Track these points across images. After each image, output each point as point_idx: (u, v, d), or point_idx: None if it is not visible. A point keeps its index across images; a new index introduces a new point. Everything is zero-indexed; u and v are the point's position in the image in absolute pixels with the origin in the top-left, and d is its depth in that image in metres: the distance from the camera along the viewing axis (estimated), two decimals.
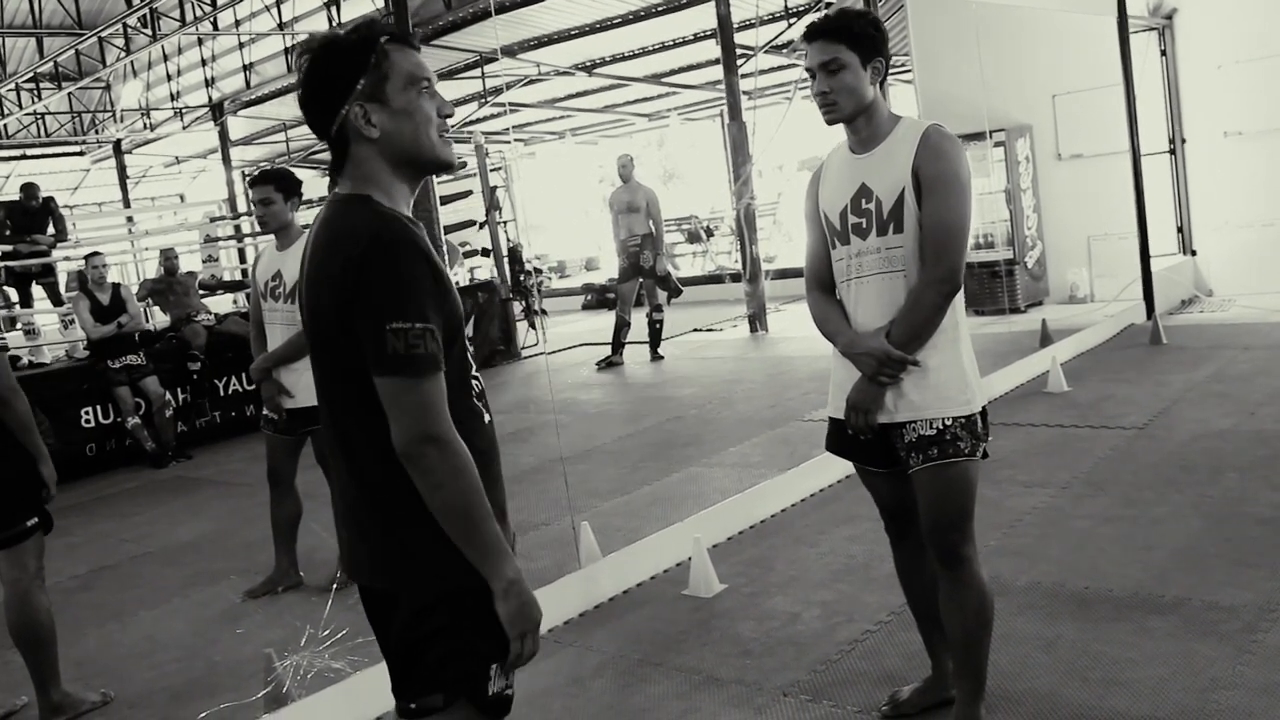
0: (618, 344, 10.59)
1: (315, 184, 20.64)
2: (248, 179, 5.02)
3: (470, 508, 1.73)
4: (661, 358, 10.63)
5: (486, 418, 1.91)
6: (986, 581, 2.85)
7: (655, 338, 10.69)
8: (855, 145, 2.84)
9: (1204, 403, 6.32)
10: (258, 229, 5.65)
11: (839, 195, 2.85)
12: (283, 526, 5.11)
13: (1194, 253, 10.65)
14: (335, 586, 4.62)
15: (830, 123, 2.83)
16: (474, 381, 1.89)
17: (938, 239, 2.69)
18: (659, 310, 10.63)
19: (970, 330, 2.88)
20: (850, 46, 2.72)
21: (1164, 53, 10.49)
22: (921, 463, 2.76)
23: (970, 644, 2.85)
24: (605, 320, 10.32)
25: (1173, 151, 10.63)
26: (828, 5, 13.20)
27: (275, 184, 4.86)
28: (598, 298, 16.69)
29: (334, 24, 14.79)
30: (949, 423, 2.73)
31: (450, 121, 1.89)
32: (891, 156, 2.76)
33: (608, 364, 10.51)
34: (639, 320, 10.70)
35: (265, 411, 5.00)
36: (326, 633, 4.15)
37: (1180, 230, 10.76)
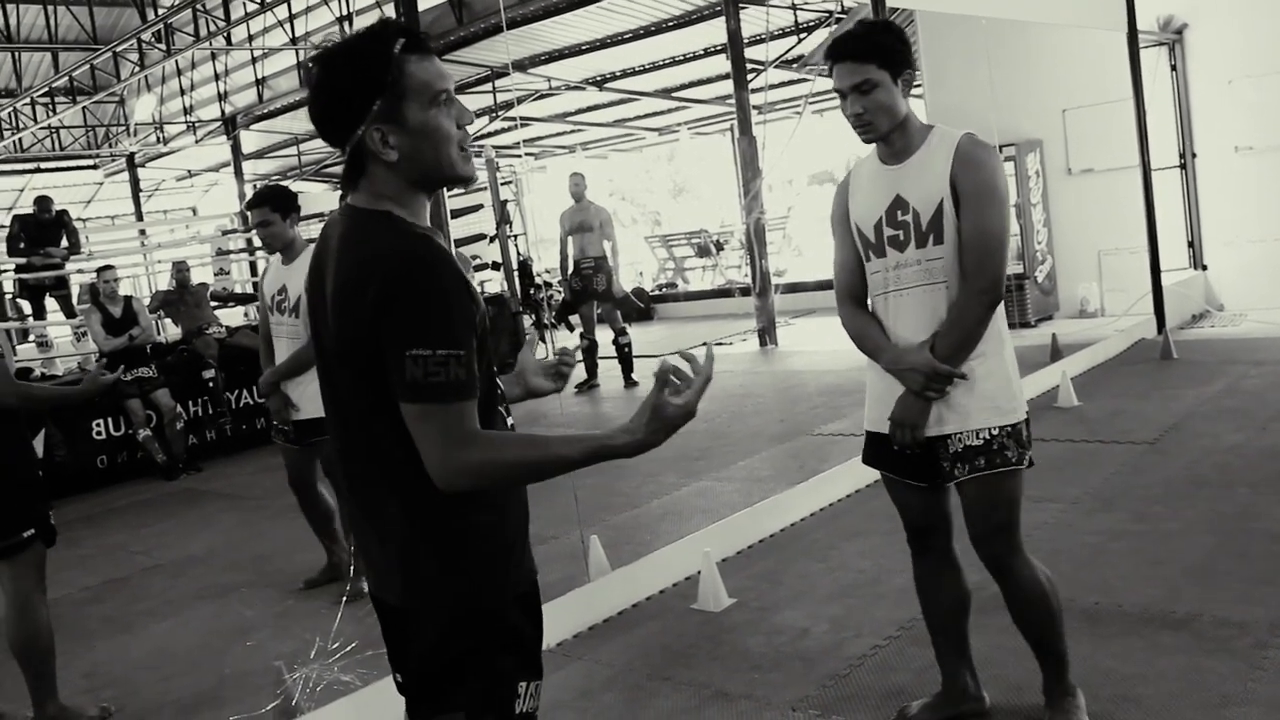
0: (591, 366, 10.39)
1: (327, 198, 20.77)
2: (245, 202, 5.13)
3: (540, 472, 1.70)
4: (636, 383, 10.12)
5: (510, 422, 1.91)
6: (1042, 576, 2.85)
7: (627, 363, 10.24)
8: (887, 156, 2.81)
9: (1215, 418, 6.30)
10: None
11: (872, 207, 2.82)
12: (321, 526, 5.23)
13: (1205, 267, 10.63)
14: (345, 599, 4.63)
15: (867, 142, 2.81)
16: (497, 386, 1.88)
17: (979, 250, 2.68)
18: (624, 334, 10.19)
19: None
20: (880, 64, 2.68)
21: (1174, 68, 10.49)
22: (968, 473, 2.74)
23: (1042, 637, 2.88)
24: (613, 334, 10.23)
25: (1183, 166, 10.62)
26: (837, 21, 13.25)
27: (271, 204, 4.91)
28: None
29: (346, 35, 14.87)
30: (996, 432, 2.72)
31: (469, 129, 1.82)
32: (926, 167, 2.73)
33: (587, 387, 10.31)
34: (604, 338, 10.39)
35: (275, 423, 5.07)
36: (336, 645, 4.15)
37: (1191, 245, 10.74)
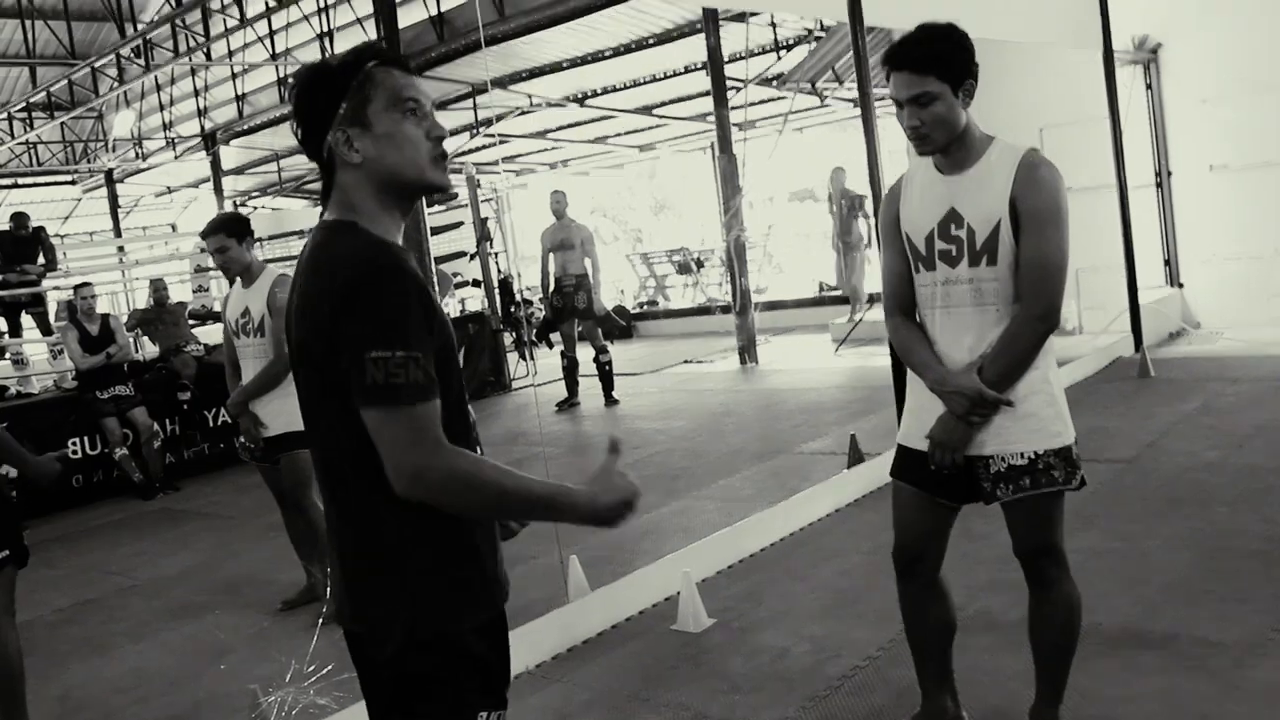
0: (572, 385, 10.38)
1: (307, 214, 20.70)
2: (200, 232, 5.23)
3: (503, 500, 1.68)
4: (616, 402, 10.18)
5: (478, 450, 1.88)
6: (1075, 595, 2.82)
7: (607, 381, 10.24)
8: (944, 166, 2.72)
9: (1192, 435, 6.33)
10: None
11: (925, 217, 2.74)
12: (298, 544, 5.24)
13: (1181, 285, 10.71)
14: (320, 621, 4.59)
15: (923, 154, 2.73)
16: (469, 415, 1.86)
17: (1038, 276, 2.60)
18: (604, 352, 10.19)
19: None
20: (940, 76, 2.58)
21: (1149, 87, 10.58)
22: (1012, 494, 2.69)
23: (1055, 655, 2.85)
24: (593, 353, 10.22)
25: (1159, 184, 10.70)
26: (817, 39, 13.32)
27: (225, 230, 4.97)
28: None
29: (327, 55, 14.86)
30: (1041, 453, 2.67)
31: (443, 145, 1.82)
32: (986, 183, 2.64)
33: (568, 405, 10.31)
34: (584, 356, 10.36)
35: (243, 441, 5.11)
36: (311, 668, 4.12)
37: (1168, 263, 10.81)
